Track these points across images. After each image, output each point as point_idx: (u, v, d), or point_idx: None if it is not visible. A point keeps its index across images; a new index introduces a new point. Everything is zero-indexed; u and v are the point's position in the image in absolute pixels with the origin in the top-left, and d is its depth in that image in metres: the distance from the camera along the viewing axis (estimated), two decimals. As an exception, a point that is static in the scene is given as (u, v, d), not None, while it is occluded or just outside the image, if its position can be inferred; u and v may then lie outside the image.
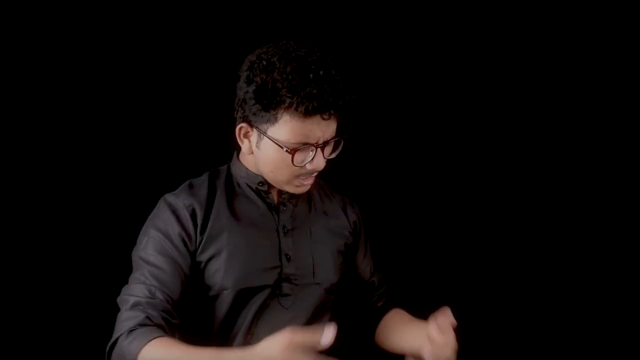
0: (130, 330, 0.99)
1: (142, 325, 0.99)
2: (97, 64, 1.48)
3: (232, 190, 1.18)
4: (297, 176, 1.10)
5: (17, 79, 1.41)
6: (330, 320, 1.21)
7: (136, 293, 1.05)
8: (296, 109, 1.01)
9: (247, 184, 1.18)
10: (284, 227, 1.16)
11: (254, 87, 1.03)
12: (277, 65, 1.01)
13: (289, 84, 1.00)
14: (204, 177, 1.20)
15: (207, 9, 1.54)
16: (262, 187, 1.16)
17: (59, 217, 1.46)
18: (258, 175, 1.16)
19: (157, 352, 0.95)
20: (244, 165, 1.18)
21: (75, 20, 1.45)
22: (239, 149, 1.19)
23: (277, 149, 1.06)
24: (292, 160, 1.05)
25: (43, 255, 1.43)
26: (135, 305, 1.03)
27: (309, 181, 1.13)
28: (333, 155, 1.11)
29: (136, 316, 1.01)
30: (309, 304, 1.16)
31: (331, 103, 1.01)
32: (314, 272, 1.16)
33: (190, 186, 1.17)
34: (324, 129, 1.05)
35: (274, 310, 1.13)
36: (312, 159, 1.06)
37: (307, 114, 1.01)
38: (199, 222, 1.11)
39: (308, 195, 1.23)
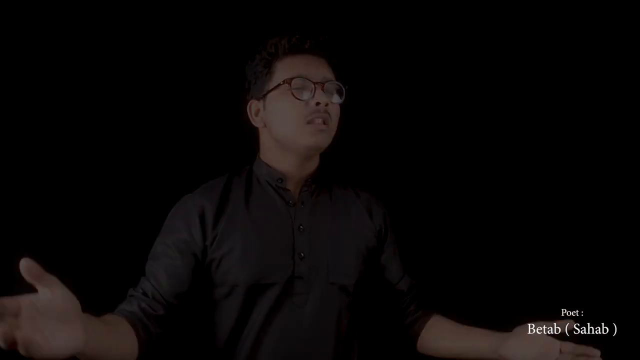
0: None
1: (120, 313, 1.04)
2: (123, 68, 1.51)
3: (251, 187, 1.20)
4: (307, 118, 1.11)
5: (45, 85, 1.44)
6: (348, 322, 1.20)
7: (139, 285, 1.10)
8: (283, 52, 1.14)
9: (267, 181, 1.19)
10: (299, 225, 1.16)
11: (255, 61, 1.17)
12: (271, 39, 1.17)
13: (277, 38, 1.15)
14: (223, 177, 1.22)
15: (234, 11, 1.57)
16: (281, 184, 1.18)
17: (91, 220, 1.48)
18: (278, 171, 1.18)
19: None
20: (264, 163, 1.20)
21: (101, 27, 1.49)
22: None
23: (279, 94, 1.13)
24: (292, 92, 1.10)
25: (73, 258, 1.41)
26: (130, 296, 1.09)
27: (323, 125, 1.12)
28: (338, 100, 1.16)
29: (122, 308, 1.06)
30: (323, 303, 1.15)
31: (313, 38, 1.14)
32: (328, 272, 1.16)
33: (207, 186, 1.20)
34: (315, 67, 1.14)
35: (287, 308, 1.13)
36: (313, 94, 1.11)
37: (293, 51, 1.14)
38: (209, 221, 1.13)
39: (330, 193, 1.24)
